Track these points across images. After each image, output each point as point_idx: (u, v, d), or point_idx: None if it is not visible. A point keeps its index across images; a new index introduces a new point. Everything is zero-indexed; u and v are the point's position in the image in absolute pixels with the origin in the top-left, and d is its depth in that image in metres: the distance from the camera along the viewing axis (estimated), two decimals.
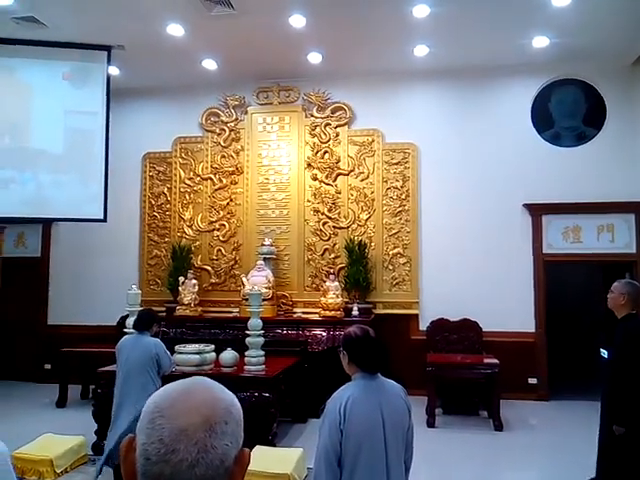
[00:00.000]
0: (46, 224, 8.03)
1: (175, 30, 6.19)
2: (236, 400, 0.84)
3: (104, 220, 6.89)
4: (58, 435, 4.87)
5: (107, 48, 6.71)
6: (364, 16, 5.88)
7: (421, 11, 5.70)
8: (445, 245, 7.17)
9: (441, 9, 5.65)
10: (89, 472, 4.55)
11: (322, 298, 6.86)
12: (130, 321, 5.15)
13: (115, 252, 7.90)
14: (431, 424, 5.70)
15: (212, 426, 0.76)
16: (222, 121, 7.82)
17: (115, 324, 7.13)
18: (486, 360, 6.01)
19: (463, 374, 5.97)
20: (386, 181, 7.39)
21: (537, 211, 6.99)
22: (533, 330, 6.88)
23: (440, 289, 7.07)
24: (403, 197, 7.33)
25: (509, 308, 6.86)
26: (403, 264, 7.25)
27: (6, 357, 7.86)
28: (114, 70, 7.09)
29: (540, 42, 6.43)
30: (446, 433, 5.57)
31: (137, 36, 6.35)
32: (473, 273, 7.02)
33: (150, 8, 5.70)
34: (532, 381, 6.83)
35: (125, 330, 5.16)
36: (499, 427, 5.59)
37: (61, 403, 6.67)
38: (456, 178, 7.23)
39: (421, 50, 6.72)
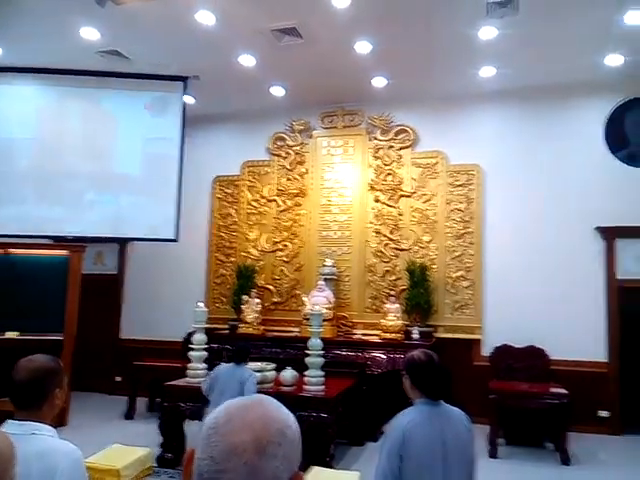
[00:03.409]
0: (123, 243, 8.51)
1: (246, 60, 6.52)
2: (293, 421, 0.81)
3: (176, 240, 7.23)
4: (125, 446, 5.10)
5: (184, 79, 7.16)
6: (428, 41, 5.97)
7: (488, 33, 5.69)
8: (510, 269, 6.97)
9: (508, 31, 5.62)
10: None
11: (382, 320, 6.84)
12: (197, 338, 5.37)
13: (184, 271, 8.28)
14: (493, 454, 5.52)
15: (263, 446, 0.75)
16: (288, 145, 8.06)
17: (181, 340, 7.41)
18: (553, 390, 5.76)
19: (528, 403, 5.72)
20: (449, 203, 7.33)
21: (611, 234, 6.67)
22: (604, 360, 6.53)
23: (505, 314, 6.86)
24: (467, 219, 7.24)
25: (578, 336, 6.55)
26: (466, 287, 7.12)
27: (80, 369, 8.27)
28: (189, 99, 7.49)
29: (613, 60, 6.23)
30: (509, 465, 5.36)
31: (211, 66, 6.74)
32: (540, 298, 6.76)
33: (224, 41, 6.05)
34: (603, 414, 6.45)
35: (190, 346, 5.38)
36: (566, 461, 5.33)
37: (129, 415, 6.88)
38: (523, 200, 7.05)
39: (487, 71, 6.68)
